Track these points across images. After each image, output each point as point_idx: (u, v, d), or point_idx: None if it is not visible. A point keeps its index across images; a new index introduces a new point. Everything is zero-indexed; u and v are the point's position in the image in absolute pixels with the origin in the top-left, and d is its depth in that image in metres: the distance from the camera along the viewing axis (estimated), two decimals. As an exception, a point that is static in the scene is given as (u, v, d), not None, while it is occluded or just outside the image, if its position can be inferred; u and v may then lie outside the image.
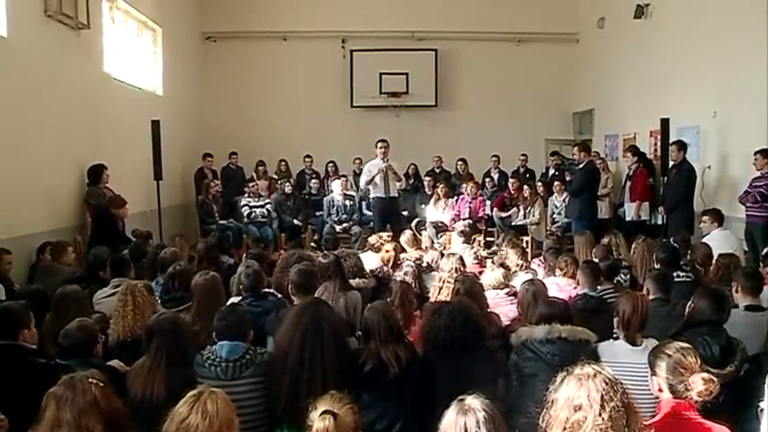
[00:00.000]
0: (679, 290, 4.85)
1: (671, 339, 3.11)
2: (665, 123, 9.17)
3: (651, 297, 4.45)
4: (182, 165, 11.80)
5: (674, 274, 5.16)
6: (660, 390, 2.69)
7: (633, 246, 6.53)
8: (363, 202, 11.33)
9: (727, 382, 3.03)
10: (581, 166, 9.23)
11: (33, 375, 3.16)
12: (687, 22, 9.51)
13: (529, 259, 7.25)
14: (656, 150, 10.11)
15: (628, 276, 5.98)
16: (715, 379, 2.58)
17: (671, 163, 8.86)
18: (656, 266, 5.57)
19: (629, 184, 10.13)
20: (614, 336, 3.79)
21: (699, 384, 2.55)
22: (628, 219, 10.00)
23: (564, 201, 10.18)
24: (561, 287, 5.35)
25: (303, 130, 13.43)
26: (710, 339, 3.52)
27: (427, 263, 6.36)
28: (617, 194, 10.87)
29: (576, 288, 5.20)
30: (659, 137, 9.42)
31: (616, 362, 3.35)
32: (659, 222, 9.27)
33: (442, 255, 6.33)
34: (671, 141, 8.94)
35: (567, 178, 10.87)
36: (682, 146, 8.66)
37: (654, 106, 10.12)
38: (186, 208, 11.71)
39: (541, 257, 7.09)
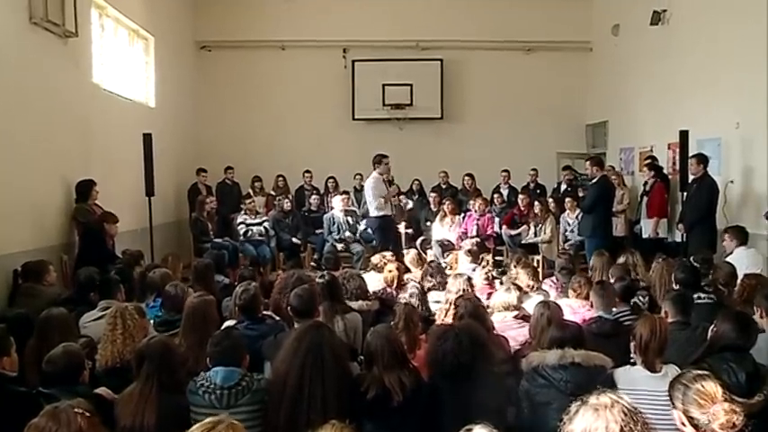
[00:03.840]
0: (700, 312, 4.81)
1: (691, 367, 3.08)
2: (683, 135, 9.16)
3: (670, 320, 4.42)
4: (175, 180, 11.83)
5: (695, 296, 5.12)
6: (684, 424, 2.65)
7: (653, 265, 6.50)
8: (365, 220, 11.33)
9: (754, 413, 2.98)
10: (594, 181, 9.22)
11: (14, 405, 3.14)
12: (707, 27, 9.50)
13: (540, 279, 7.21)
14: (674, 164, 10.09)
15: (646, 298, 5.94)
16: (738, 409, 2.54)
17: (691, 177, 8.83)
18: (675, 287, 5.54)
19: (645, 199, 10.12)
20: (631, 361, 3.76)
21: (720, 415, 2.51)
22: (645, 236, 9.98)
23: (576, 218, 10.17)
24: (574, 309, 5.33)
25: (302, 143, 13.47)
26: (736, 366, 3.47)
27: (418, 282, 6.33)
28: (633, 211, 10.85)
29: (589, 310, 5.18)
30: (678, 150, 9.40)
31: (634, 389, 3.32)
32: (678, 240, 9.23)
33: (441, 274, 6.32)
34: (690, 154, 8.91)
35: (581, 194, 10.86)
36: (702, 159, 8.63)
37: (672, 117, 10.13)
38: (179, 226, 11.73)
39: (553, 278, 7.07)
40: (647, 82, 11.31)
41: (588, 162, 9.51)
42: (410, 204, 11.63)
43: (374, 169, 9.60)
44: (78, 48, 8.29)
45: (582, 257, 9.18)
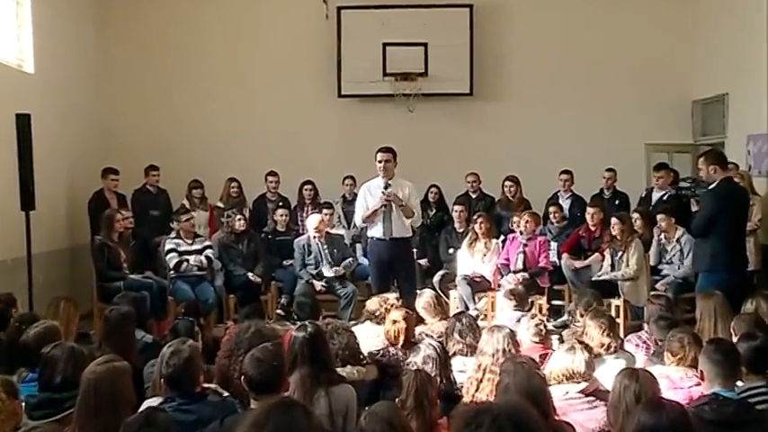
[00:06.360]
0: None
1: None
2: None
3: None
4: (68, 186, 11.89)
5: None
6: None
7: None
8: (358, 245, 11.32)
9: None
10: (710, 186, 9.03)
11: None
12: None
13: (621, 336, 7.21)
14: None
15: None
16: None
17: None
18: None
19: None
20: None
21: None
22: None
23: (678, 241, 10.14)
24: (675, 382, 5.33)
25: (264, 133, 13.59)
26: None
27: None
28: (769, 232, 10.83)
29: (699, 384, 5.15)
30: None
31: None
32: None
33: (474, 332, 6.31)
34: None
35: (693, 209, 10.62)
36: None
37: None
38: (75, 254, 11.76)
39: (641, 333, 7.07)
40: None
41: (701, 159, 9.30)
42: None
43: None
44: None
45: (689, 303, 9.02)
